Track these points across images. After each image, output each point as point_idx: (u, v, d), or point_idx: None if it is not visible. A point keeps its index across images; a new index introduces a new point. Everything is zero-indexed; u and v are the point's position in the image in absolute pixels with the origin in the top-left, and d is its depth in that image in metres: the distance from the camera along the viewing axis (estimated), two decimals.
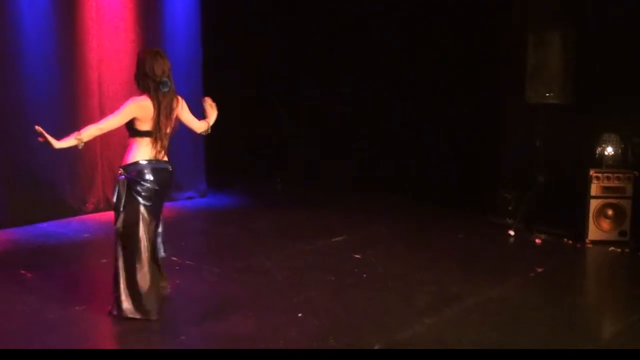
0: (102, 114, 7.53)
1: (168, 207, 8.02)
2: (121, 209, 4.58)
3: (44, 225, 7.02)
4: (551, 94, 6.94)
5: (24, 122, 6.97)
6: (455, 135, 8.61)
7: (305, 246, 6.45)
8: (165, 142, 4.64)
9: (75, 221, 7.29)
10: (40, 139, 4.41)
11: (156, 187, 4.61)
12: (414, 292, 5.22)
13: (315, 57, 9.38)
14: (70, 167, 7.41)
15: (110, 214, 7.45)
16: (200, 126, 4.97)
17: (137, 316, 4.56)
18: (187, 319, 4.65)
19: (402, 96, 8.99)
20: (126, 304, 4.57)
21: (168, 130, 4.63)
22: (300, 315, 4.72)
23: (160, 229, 4.76)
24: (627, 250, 6.50)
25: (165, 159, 4.69)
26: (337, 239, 6.74)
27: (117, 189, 4.62)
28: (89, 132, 4.51)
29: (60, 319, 4.61)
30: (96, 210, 7.62)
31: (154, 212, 4.66)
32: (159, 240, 4.76)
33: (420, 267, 5.86)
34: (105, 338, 4.57)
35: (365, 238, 6.78)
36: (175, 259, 5.96)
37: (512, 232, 7.02)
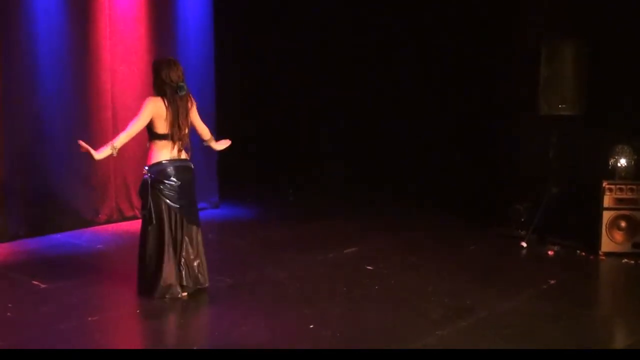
0: (115, 123, 7.62)
1: None
2: (148, 207, 4.98)
3: (58, 236, 7.06)
4: (564, 106, 6.94)
5: (38, 135, 7.04)
6: (468, 146, 8.60)
7: (318, 257, 6.44)
8: (185, 142, 5.06)
9: (88, 232, 7.32)
10: (82, 150, 4.86)
11: (179, 184, 5.02)
12: (426, 304, 5.21)
13: (320, 59, 9.38)
14: (83, 179, 7.44)
15: (123, 225, 7.60)
16: (205, 132, 5.37)
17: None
18: (198, 328, 4.65)
19: (416, 108, 9.00)
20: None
21: (186, 131, 5.07)
22: (312, 326, 4.72)
23: (197, 261, 5.21)
24: None
25: (185, 157, 5.10)
26: (349, 250, 6.73)
27: (142, 188, 5.03)
28: (120, 140, 4.96)
29: (74, 329, 4.63)
30: (109, 221, 7.65)
31: (181, 209, 5.06)
32: (196, 271, 5.19)
33: (432, 278, 5.85)
34: (116, 348, 4.58)
35: (377, 249, 6.76)
36: None
37: (524, 244, 6.99)
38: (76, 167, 7.38)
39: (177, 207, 5.02)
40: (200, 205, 8.49)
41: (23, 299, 5.18)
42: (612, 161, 6.75)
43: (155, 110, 4.94)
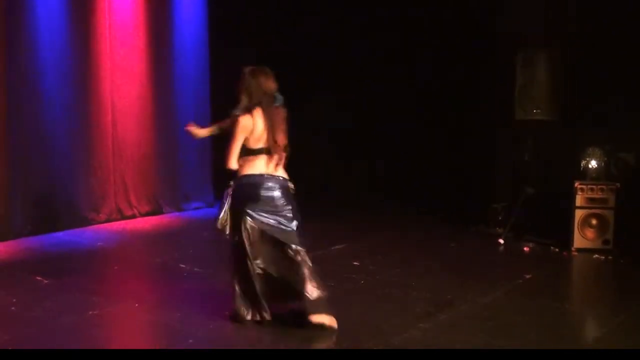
0: (115, 126, 7.57)
1: (177, 217, 8.13)
2: (223, 218, 4.43)
3: (60, 235, 7.01)
4: (538, 111, 6.96)
5: (41, 137, 6.98)
6: (449, 150, 8.61)
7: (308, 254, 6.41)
8: (283, 155, 4.47)
9: (89, 230, 7.27)
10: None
11: (266, 200, 4.41)
12: (410, 298, 5.20)
13: (315, 63, 9.33)
14: (84, 179, 7.40)
15: (122, 224, 7.56)
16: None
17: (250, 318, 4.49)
18: (195, 322, 4.61)
19: (399, 113, 8.98)
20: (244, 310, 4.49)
21: (283, 143, 4.47)
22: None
23: (306, 269, 4.44)
24: (610, 257, 6.48)
25: (281, 173, 4.51)
26: (337, 247, 6.72)
27: (222, 200, 4.47)
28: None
29: (75, 323, 4.59)
30: (108, 220, 7.60)
31: (267, 226, 4.42)
32: (306, 277, 4.42)
33: (415, 274, 5.84)
34: (118, 341, 4.54)
35: (363, 246, 6.76)
36: (183, 266, 5.96)
37: (502, 241, 7.01)
38: (77, 169, 7.34)
39: (257, 219, 4.40)
40: (195, 204, 8.54)
41: (26, 294, 5.13)
42: (583, 163, 6.78)
43: (247, 132, 4.36)
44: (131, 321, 4.76)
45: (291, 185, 4.58)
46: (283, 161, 4.49)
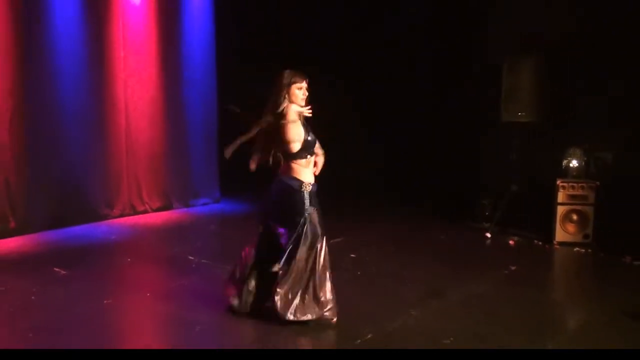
0: (128, 128, 7.57)
1: (186, 212, 8.14)
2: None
3: (76, 229, 7.02)
4: (523, 114, 6.97)
5: (59, 140, 6.98)
6: (440, 150, 8.61)
7: None
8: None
9: (103, 225, 7.28)
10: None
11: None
12: (403, 288, 5.22)
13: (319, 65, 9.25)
14: (99, 177, 7.40)
15: (135, 219, 7.58)
16: None
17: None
18: (202, 310, 4.63)
19: (396, 115, 8.96)
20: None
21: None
22: None
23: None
24: (590, 250, 6.51)
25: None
26: (335, 240, 6.71)
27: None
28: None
29: (91, 310, 4.61)
30: (122, 215, 7.61)
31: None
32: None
33: (408, 265, 5.86)
34: (129, 327, 4.56)
35: (360, 240, 6.77)
36: (192, 258, 5.97)
37: (489, 235, 7.03)
38: (93, 167, 7.34)
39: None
40: (203, 200, 8.54)
41: (46, 284, 5.14)
42: (565, 162, 6.80)
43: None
44: (143, 309, 4.78)
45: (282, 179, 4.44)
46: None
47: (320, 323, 4.30)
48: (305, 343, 4.18)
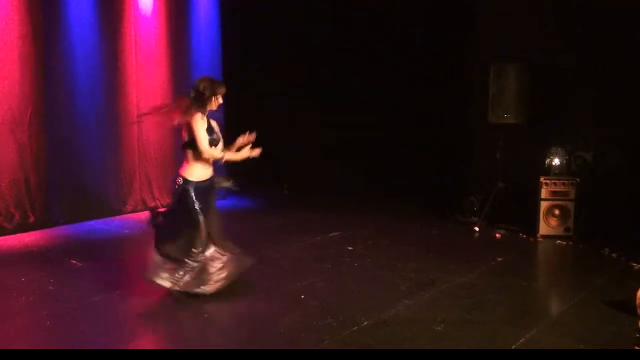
0: (140, 129, 7.53)
1: None
2: None
3: (91, 223, 6.99)
4: (508, 115, 6.95)
5: (75, 139, 6.95)
6: (431, 149, 8.57)
7: (307, 240, 6.41)
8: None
9: (117, 220, 7.25)
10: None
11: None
12: (396, 279, 5.19)
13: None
14: (113, 175, 7.37)
15: (146, 214, 7.47)
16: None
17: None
18: (209, 298, 4.59)
19: (391, 115, 8.89)
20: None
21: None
22: (302, 297, 4.70)
23: None
24: (571, 243, 6.48)
25: None
26: (333, 234, 6.70)
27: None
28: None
29: (105, 300, 4.59)
30: (134, 211, 7.57)
31: None
32: None
33: (401, 258, 5.83)
34: (140, 315, 4.52)
35: (356, 234, 6.73)
36: None
37: (477, 229, 7.00)
38: (106, 165, 7.31)
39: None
40: None
41: (63, 275, 5.12)
42: (547, 161, 6.78)
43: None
44: (153, 298, 4.74)
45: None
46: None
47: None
48: (306, 333, 4.13)
